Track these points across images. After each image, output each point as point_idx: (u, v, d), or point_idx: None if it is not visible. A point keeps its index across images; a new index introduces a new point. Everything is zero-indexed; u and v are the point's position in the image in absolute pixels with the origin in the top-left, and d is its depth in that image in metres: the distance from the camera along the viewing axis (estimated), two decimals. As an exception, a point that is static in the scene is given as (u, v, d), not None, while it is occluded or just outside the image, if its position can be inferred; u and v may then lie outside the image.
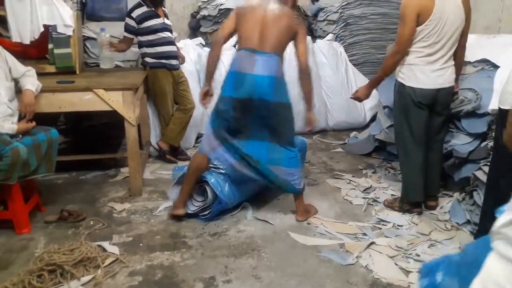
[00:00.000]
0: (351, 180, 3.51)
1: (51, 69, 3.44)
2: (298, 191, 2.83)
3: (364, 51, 5.26)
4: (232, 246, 2.56)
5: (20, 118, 2.75)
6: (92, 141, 3.90)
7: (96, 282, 2.20)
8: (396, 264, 2.39)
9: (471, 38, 2.94)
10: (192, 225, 2.80)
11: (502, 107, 2.14)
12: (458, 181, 3.03)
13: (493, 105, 2.67)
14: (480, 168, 2.72)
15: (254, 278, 2.26)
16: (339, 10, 5.06)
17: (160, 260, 2.41)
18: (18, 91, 2.79)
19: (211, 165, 2.88)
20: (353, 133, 4.76)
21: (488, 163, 2.48)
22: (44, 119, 2.94)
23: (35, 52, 3.51)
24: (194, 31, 5.12)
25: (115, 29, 3.95)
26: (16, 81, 2.80)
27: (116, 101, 3.06)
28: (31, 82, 2.81)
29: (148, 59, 3.72)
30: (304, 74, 2.73)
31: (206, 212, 2.83)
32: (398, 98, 2.87)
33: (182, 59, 3.95)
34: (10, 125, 2.62)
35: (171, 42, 3.79)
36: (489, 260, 0.80)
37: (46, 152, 2.74)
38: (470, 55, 3.02)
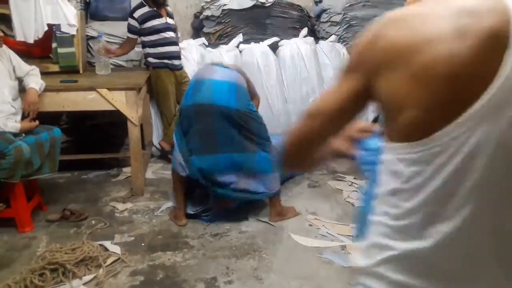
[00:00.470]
0: (353, 182, 3.51)
1: (54, 68, 3.45)
2: (271, 196, 2.81)
3: (367, 53, 5.26)
4: (234, 247, 2.57)
5: (24, 117, 2.76)
6: (94, 140, 3.91)
7: (98, 282, 2.21)
8: (398, 266, 2.39)
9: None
10: (193, 225, 2.80)
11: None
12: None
13: None
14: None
15: (255, 279, 2.26)
16: (342, 12, 5.07)
17: (161, 260, 2.42)
18: (22, 90, 2.80)
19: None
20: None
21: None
22: (47, 118, 2.95)
23: (38, 51, 3.52)
24: (197, 31, 5.11)
25: (119, 29, 3.95)
26: (20, 80, 2.81)
27: (119, 100, 3.07)
28: (35, 81, 2.82)
29: (150, 59, 3.72)
30: None
31: (207, 213, 2.84)
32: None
33: None
34: (14, 124, 2.63)
35: (174, 42, 3.79)
36: None
37: (49, 151, 2.75)
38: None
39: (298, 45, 4.37)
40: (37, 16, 3.20)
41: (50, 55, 3.49)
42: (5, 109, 2.62)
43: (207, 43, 4.65)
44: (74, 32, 3.39)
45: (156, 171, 3.74)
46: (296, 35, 4.57)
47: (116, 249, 2.48)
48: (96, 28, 4.00)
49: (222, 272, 2.31)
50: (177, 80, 3.82)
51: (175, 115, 3.87)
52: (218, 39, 4.60)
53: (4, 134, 2.53)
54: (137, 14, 3.62)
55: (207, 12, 4.92)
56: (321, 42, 5.10)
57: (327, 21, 5.30)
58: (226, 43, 4.43)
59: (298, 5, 4.86)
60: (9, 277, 2.20)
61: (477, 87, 0.61)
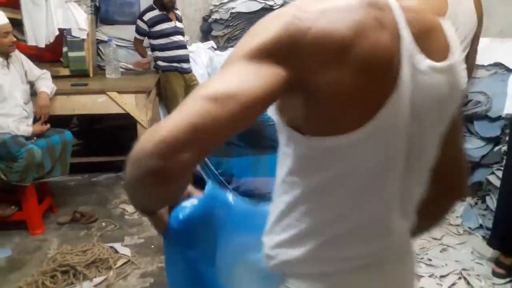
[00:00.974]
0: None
1: (65, 72, 3.49)
2: None
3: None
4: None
5: (35, 121, 2.79)
6: (104, 143, 3.93)
7: (108, 284, 2.22)
8: (408, 269, 2.37)
9: (485, 41, 2.92)
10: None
11: (516, 112, 2.09)
12: (470, 186, 2.99)
13: (508, 109, 2.65)
14: (493, 173, 2.70)
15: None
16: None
17: (171, 262, 2.42)
18: (33, 93, 2.83)
19: None
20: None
21: (502, 168, 2.45)
22: (58, 122, 2.98)
23: (49, 55, 3.56)
24: (205, 34, 5.13)
25: (128, 33, 3.99)
26: (31, 84, 2.85)
27: (129, 103, 3.09)
28: (46, 84, 2.85)
29: (160, 63, 3.75)
30: None
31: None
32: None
33: None
34: (26, 127, 2.66)
35: (183, 46, 3.81)
36: None
37: (60, 154, 2.77)
38: (484, 58, 3.00)
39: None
40: (48, 20, 3.24)
41: (61, 59, 3.54)
42: (17, 113, 2.65)
43: (215, 46, 4.66)
44: (85, 36, 3.43)
45: (166, 173, 3.75)
46: (304, 37, 4.57)
47: (126, 251, 2.50)
48: (106, 32, 4.04)
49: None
50: (186, 83, 3.84)
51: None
52: (226, 42, 4.61)
53: (17, 138, 2.56)
54: (146, 17, 3.64)
55: (215, 15, 4.93)
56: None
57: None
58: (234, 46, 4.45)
59: (306, 7, 4.86)
60: (21, 279, 2.22)
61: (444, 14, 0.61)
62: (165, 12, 3.68)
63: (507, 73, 2.90)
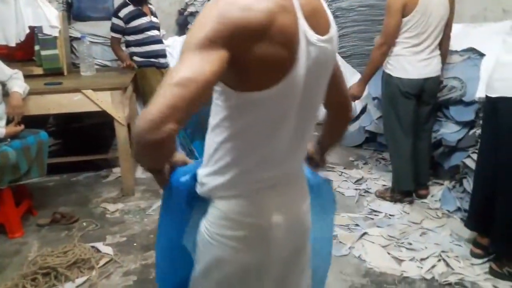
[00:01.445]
0: (342, 172, 3.53)
1: (38, 71, 3.41)
2: None
3: (353, 44, 5.26)
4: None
5: (8, 122, 2.73)
6: (82, 142, 3.88)
7: (91, 284, 2.20)
8: (389, 253, 2.42)
9: (457, 27, 2.96)
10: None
11: (489, 95, 2.17)
12: (448, 169, 3.05)
13: (480, 93, 2.70)
14: (469, 156, 2.75)
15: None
16: (327, 3, 5.07)
17: (154, 259, 2.40)
18: (5, 94, 2.76)
19: None
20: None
21: (477, 151, 2.51)
22: (33, 122, 2.92)
23: (21, 54, 3.48)
24: (181, 28, 5.09)
25: (102, 29, 3.92)
26: (3, 84, 2.78)
27: (105, 101, 3.05)
28: (18, 84, 2.79)
29: (136, 58, 3.70)
30: None
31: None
32: (386, 89, 2.89)
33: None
34: (-2, 129, 2.60)
35: (159, 41, 3.77)
36: None
37: (37, 155, 2.72)
38: (457, 44, 3.04)
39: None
40: (18, 19, 3.16)
41: (33, 57, 3.45)
42: (-11, 115, 2.59)
43: (192, 40, 4.61)
44: (57, 34, 3.36)
45: (146, 170, 3.72)
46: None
47: (109, 250, 2.48)
48: (79, 28, 3.96)
49: (215, 268, 2.32)
50: (163, 78, 3.80)
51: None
52: (203, 35, 4.59)
53: (-11, 140, 2.51)
54: (122, 13, 3.58)
55: (191, 8, 4.89)
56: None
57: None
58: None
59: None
60: (1, 283, 2.18)
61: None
62: (140, 7, 3.62)
63: (480, 58, 2.95)
